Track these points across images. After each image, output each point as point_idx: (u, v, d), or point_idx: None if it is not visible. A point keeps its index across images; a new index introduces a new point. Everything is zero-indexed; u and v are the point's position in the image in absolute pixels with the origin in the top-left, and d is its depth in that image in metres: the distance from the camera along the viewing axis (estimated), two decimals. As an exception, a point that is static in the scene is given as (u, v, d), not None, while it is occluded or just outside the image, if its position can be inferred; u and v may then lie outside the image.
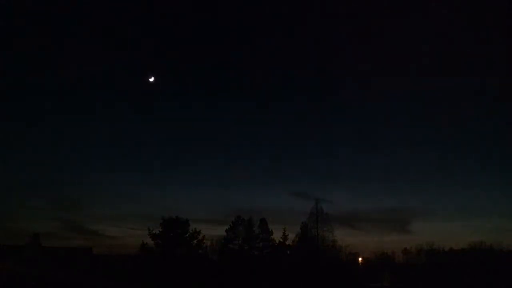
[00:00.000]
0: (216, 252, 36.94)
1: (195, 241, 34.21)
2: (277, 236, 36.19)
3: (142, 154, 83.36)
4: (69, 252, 38.11)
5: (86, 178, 70.65)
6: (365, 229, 63.44)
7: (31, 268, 30.09)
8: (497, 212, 73.27)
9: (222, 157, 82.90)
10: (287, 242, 36.47)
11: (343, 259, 38.05)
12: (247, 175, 77.61)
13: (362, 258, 45.05)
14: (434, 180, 74.59)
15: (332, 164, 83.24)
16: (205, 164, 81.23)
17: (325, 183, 71.18)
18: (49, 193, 69.67)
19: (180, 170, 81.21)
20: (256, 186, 74.81)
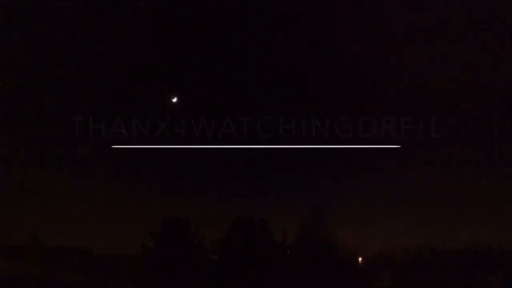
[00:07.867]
0: (216, 252, 36.95)
1: (195, 241, 34.35)
2: (277, 236, 36.22)
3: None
4: (69, 252, 38.09)
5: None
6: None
7: (31, 268, 30.12)
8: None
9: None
10: (287, 242, 36.57)
11: (343, 259, 38.04)
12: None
13: (362, 258, 45.05)
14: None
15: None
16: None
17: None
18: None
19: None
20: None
